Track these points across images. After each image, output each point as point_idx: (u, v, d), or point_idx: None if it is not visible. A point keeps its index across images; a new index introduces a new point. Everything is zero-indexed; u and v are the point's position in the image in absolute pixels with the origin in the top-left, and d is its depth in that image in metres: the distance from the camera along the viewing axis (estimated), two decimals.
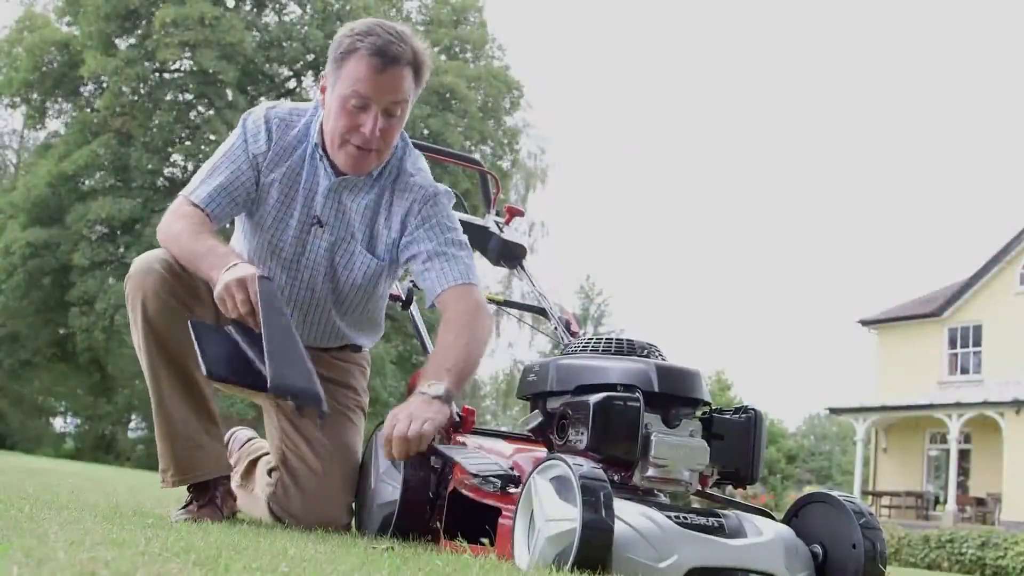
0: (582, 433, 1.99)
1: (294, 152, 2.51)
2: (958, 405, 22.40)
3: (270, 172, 2.51)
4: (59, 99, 26.63)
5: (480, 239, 3.16)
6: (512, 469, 2.14)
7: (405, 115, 2.44)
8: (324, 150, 2.49)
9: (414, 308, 2.98)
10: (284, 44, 26.24)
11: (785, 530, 1.98)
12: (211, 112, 25.42)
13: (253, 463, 2.91)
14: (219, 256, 2.32)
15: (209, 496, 2.45)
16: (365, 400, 2.83)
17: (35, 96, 25.84)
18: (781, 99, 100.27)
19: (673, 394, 2.05)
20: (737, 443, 2.11)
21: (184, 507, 2.47)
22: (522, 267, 3.20)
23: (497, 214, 3.35)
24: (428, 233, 2.52)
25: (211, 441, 2.45)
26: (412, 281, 3.05)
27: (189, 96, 25.85)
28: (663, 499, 2.09)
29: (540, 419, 2.16)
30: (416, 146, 2.70)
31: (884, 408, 24.19)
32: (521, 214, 3.39)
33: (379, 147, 2.42)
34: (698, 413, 2.13)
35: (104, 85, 25.08)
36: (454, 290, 2.47)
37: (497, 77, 28.12)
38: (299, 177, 2.51)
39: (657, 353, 2.16)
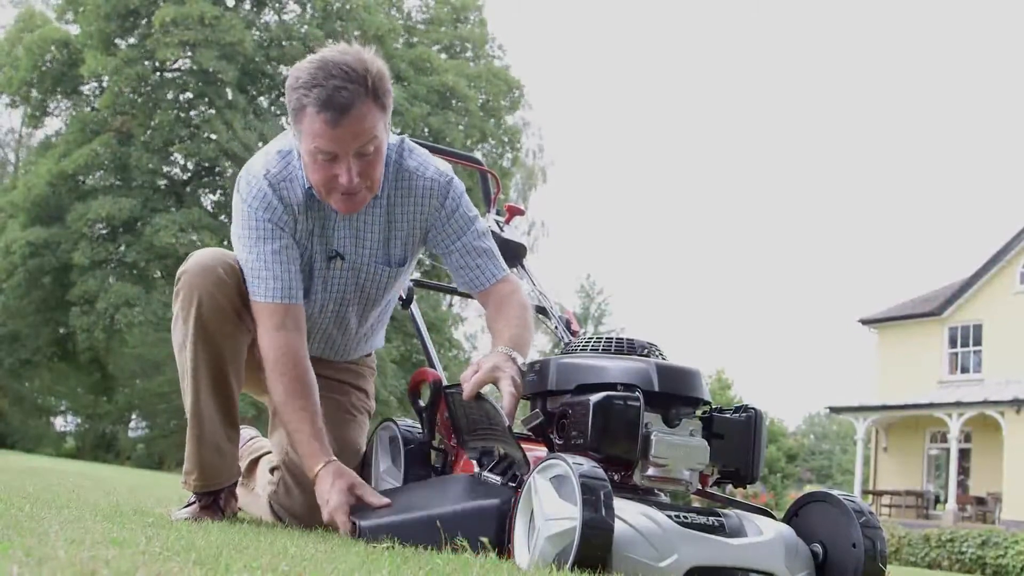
0: (582, 432, 1.99)
1: (301, 199, 2.43)
2: (958, 404, 22.39)
3: (294, 227, 2.45)
4: (59, 98, 26.64)
5: None
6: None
7: (382, 146, 2.34)
8: None
9: (414, 307, 2.98)
10: (284, 43, 26.24)
11: (785, 529, 1.98)
12: (211, 111, 25.42)
13: (255, 462, 2.92)
14: (312, 454, 2.31)
15: (212, 497, 2.45)
16: (372, 403, 2.86)
17: (35, 95, 25.85)
18: (781, 99, 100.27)
19: (673, 393, 2.04)
20: (737, 442, 2.11)
21: (186, 506, 2.48)
22: (523, 266, 3.19)
23: (497, 213, 3.35)
24: (456, 228, 2.50)
25: (231, 447, 2.47)
26: (413, 280, 3.05)
27: (189, 95, 25.86)
28: (663, 498, 2.09)
29: (540, 418, 2.15)
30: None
31: (884, 407, 24.19)
32: (522, 213, 3.39)
33: (367, 186, 2.34)
34: (698, 412, 2.12)
35: (104, 84, 25.08)
36: (496, 287, 2.51)
37: (498, 76, 28.14)
38: (310, 219, 2.45)
39: (657, 352, 2.16)
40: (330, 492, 2.23)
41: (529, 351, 2.46)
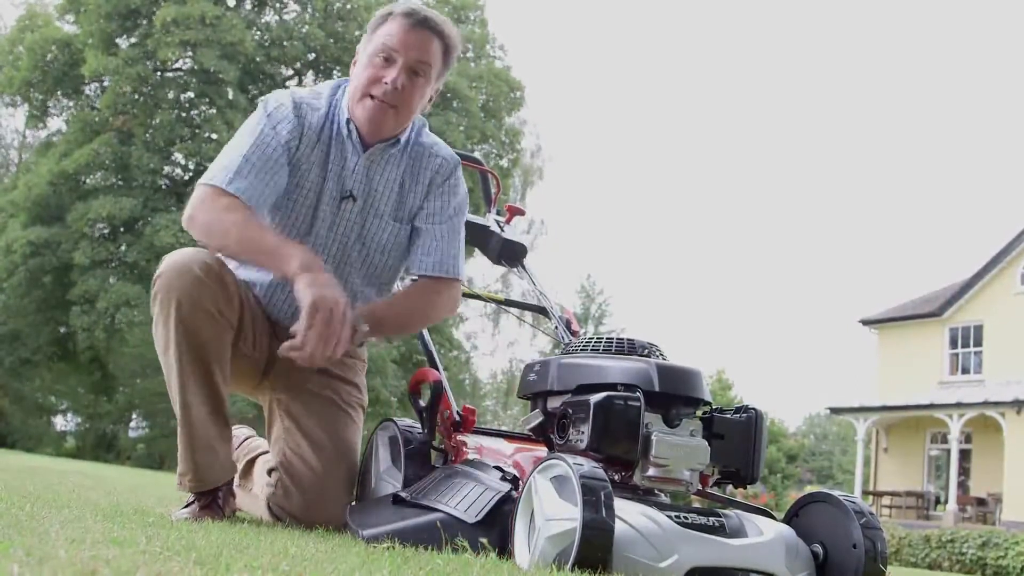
0: (583, 432, 1.99)
1: (323, 131, 2.55)
2: (959, 405, 22.38)
3: (302, 153, 2.53)
4: (60, 98, 26.63)
5: (481, 238, 3.17)
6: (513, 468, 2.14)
7: (429, 82, 2.51)
8: (351, 125, 2.54)
9: None
10: (285, 43, 26.22)
11: (786, 530, 1.98)
12: (212, 111, 25.40)
13: (251, 462, 2.91)
14: (290, 253, 2.30)
15: (212, 496, 2.45)
16: (365, 397, 2.85)
17: (36, 95, 25.83)
18: (782, 98, 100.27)
19: (674, 393, 2.04)
20: (738, 443, 2.11)
21: (186, 506, 2.47)
22: (523, 266, 3.19)
23: (498, 213, 3.35)
24: (439, 205, 2.65)
25: (224, 445, 2.46)
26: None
27: (190, 95, 25.84)
28: (664, 499, 2.09)
29: (541, 418, 2.15)
30: None
31: (885, 408, 24.18)
32: (522, 213, 3.39)
33: (398, 103, 2.48)
34: (699, 413, 2.12)
35: (105, 84, 25.07)
36: (433, 281, 2.62)
37: (499, 77, 28.09)
38: (329, 154, 2.55)
39: (658, 353, 2.16)
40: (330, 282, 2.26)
41: (393, 329, 2.66)
